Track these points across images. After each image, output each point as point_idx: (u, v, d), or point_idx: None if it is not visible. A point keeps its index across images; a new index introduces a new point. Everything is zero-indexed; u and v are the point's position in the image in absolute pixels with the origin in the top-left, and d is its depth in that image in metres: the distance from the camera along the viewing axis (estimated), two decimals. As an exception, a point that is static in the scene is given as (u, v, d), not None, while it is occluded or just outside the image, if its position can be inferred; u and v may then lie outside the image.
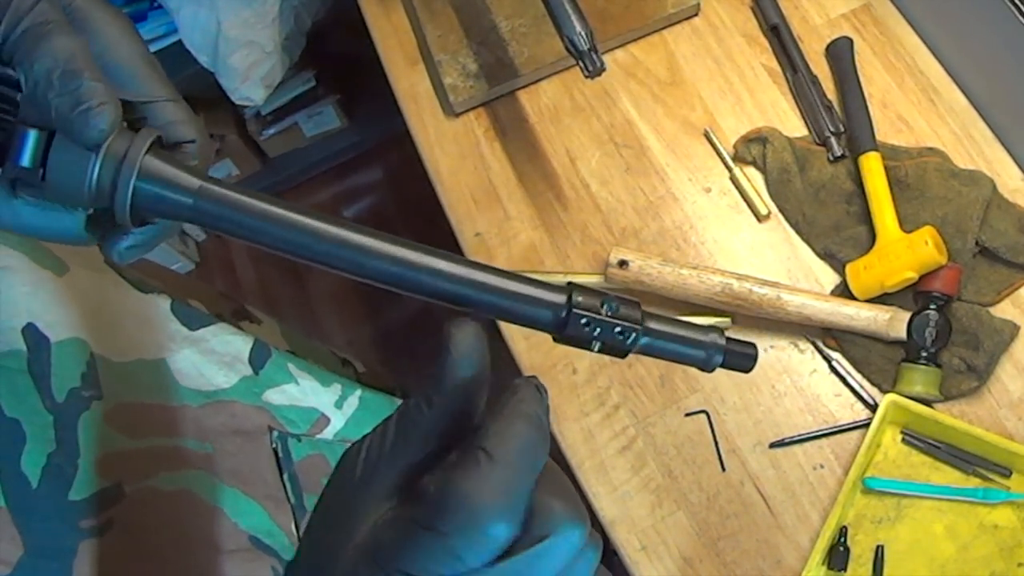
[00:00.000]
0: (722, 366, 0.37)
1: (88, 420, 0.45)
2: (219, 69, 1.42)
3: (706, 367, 0.37)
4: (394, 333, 1.82)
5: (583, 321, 0.34)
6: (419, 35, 0.97)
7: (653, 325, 0.36)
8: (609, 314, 0.35)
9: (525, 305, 0.35)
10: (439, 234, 1.03)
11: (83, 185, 0.32)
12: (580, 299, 0.35)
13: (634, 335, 0.35)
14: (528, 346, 0.84)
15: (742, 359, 0.37)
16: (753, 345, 0.38)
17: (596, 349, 0.35)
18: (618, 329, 0.35)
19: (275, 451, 0.59)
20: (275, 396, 0.62)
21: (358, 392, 0.70)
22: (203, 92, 1.67)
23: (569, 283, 0.36)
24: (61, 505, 0.42)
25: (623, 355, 0.36)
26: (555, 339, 0.36)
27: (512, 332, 0.84)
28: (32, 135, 0.31)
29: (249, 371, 0.61)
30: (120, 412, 0.48)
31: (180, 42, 1.41)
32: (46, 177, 0.32)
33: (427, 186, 0.92)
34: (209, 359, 0.58)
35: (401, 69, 0.97)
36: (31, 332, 0.44)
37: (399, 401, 0.78)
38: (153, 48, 1.50)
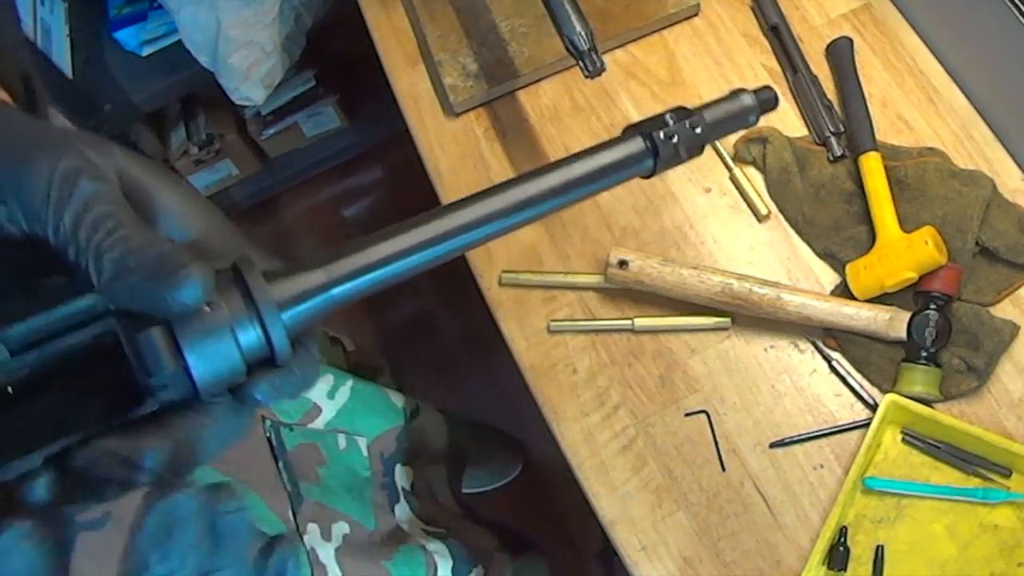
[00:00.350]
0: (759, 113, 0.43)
1: None
2: (219, 69, 1.42)
3: (751, 122, 0.43)
4: (395, 333, 1.82)
5: (666, 141, 0.39)
6: (419, 35, 0.97)
7: (704, 112, 0.41)
8: (674, 121, 0.39)
9: (622, 170, 0.38)
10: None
11: (235, 356, 0.29)
12: (651, 131, 0.39)
13: (700, 126, 0.40)
14: (528, 346, 0.84)
15: (769, 102, 0.43)
16: (769, 87, 0.44)
17: (685, 157, 0.40)
18: (689, 125, 0.39)
19: (269, 440, 0.59)
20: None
21: (349, 383, 0.70)
22: (203, 92, 1.67)
23: (627, 127, 0.40)
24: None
25: (702, 149, 0.41)
26: (650, 174, 0.40)
27: (512, 332, 0.84)
28: (155, 334, 0.28)
29: None
30: None
31: (180, 42, 1.41)
32: (191, 370, 0.28)
33: (427, 186, 0.92)
34: None
35: (401, 69, 0.97)
36: None
37: (388, 390, 0.78)
38: (153, 48, 1.50)
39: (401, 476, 0.76)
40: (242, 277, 0.30)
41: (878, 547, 0.73)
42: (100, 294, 0.29)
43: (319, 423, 0.66)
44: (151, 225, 0.32)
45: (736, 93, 0.42)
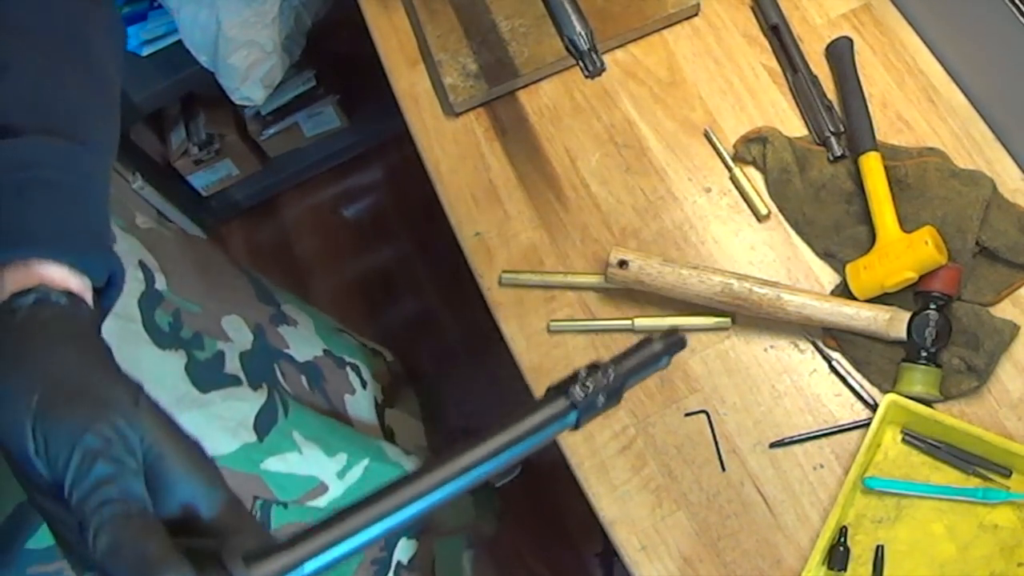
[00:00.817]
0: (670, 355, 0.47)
1: None
2: (219, 69, 1.42)
3: (663, 364, 0.47)
4: (394, 334, 1.82)
5: (584, 394, 0.42)
6: (419, 35, 0.97)
7: (617, 363, 0.44)
8: (588, 375, 0.43)
9: (548, 427, 0.42)
10: (439, 234, 1.03)
11: None
12: (567, 388, 0.42)
13: (614, 375, 0.43)
14: (528, 346, 0.84)
15: (677, 345, 0.47)
16: (677, 333, 0.47)
17: (602, 404, 0.43)
18: (603, 376, 0.43)
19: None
20: (275, 464, 0.61)
21: (365, 462, 0.69)
22: (203, 92, 1.67)
23: (548, 389, 0.43)
24: (16, 552, 0.41)
25: (619, 395, 0.44)
26: (575, 426, 0.43)
27: (512, 332, 0.84)
28: None
29: (253, 437, 0.60)
30: None
31: (180, 42, 1.41)
32: None
33: (427, 186, 0.92)
34: (213, 424, 0.57)
35: (401, 69, 0.97)
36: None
37: (408, 468, 0.77)
38: (153, 48, 1.50)
39: (402, 550, 0.75)
40: (224, 566, 0.34)
41: (878, 547, 0.73)
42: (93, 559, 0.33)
43: (321, 501, 0.65)
44: (160, 487, 0.36)
45: (646, 342, 0.46)
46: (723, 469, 0.78)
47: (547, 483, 1.57)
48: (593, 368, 0.44)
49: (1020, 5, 0.75)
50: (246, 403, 0.61)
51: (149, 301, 0.57)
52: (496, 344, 0.86)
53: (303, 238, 1.95)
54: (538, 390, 0.82)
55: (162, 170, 1.76)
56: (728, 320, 0.81)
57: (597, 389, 0.43)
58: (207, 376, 0.59)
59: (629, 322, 0.82)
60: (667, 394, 0.81)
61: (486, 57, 0.93)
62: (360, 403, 0.74)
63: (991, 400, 0.77)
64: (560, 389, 0.43)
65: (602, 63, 0.72)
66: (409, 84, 0.96)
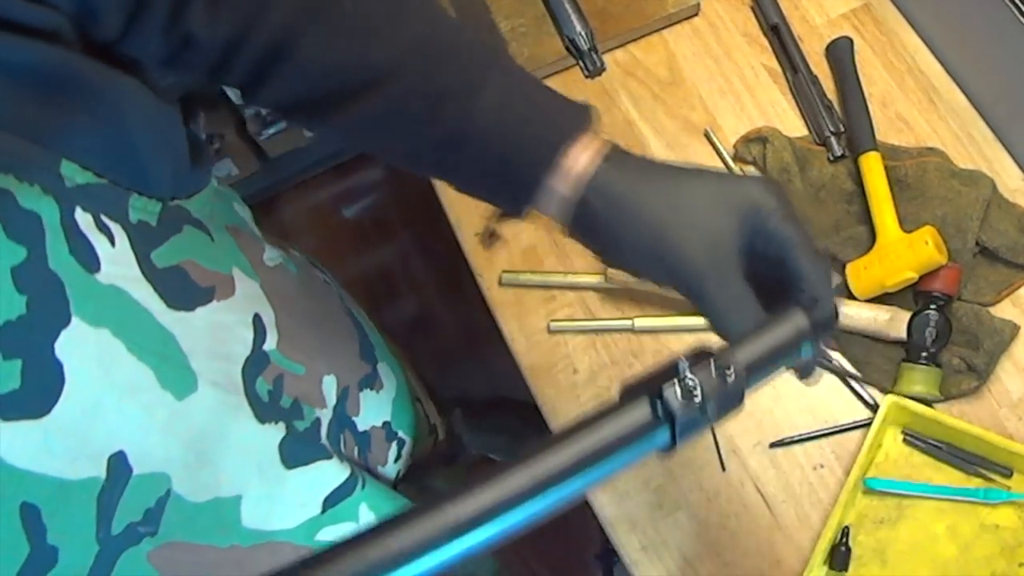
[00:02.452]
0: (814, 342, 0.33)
1: (130, 557, 0.43)
2: (219, 69, 1.42)
3: (807, 365, 0.34)
4: (394, 332, 1.82)
5: (685, 399, 0.28)
6: (419, 35, 0.97)
7: (739, 353, 0.30)
8: (692, 368, 0.29)
9: (622, 451, 0.28)
10: (439, 234, 1.03)
11: None
12: (660, 389, 0.28)
13: (732, 368, 0.29)
14: (528, 346, 0.84)
15: (828, 325, 0.33)
16: (829, 306, 0.35)
17: (714, 418, 0.29)
18: (715, 371, 0.29)
19: None
20: (329, 534, 0.59)
21: None
22: (203, 92, 1.67)
23: (625, 388, 0.30)
24: None
25: (741, 400, 0.31)
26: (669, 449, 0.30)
27: (512, 332, 0.84)
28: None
29: (318, 511, 0.57)
30: (167, 551, 0.46)
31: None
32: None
33: (427, 186, 0.92)
34: (286, 500, 0.54)
35: (401, 69, 0.97)
36: (117, 461, 0.41)
37: None
38: (153, 48, 1.50)
39: None
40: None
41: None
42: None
43: None
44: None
45: (783, 316, 0.32)
46: (723, 469, 0.78)
47: (547, 483, 1.57)
48: (702, 357, 0.30)
49: (1020, 5, 0.75)
50: (329, 476, 0.57)
51: (253, 367, 0.52)
52: (496, 344, 0.86)
53: (303, 238, 1.95)
54: (538, 390, 0.82)
55: (162, 170, 1.75)
56: (728, 320, 0.81)
57: (708, 392, 0.29)
58: (299, 450, 0.55)
59: (629, 322, 0.82)
60: (667, 394, 0.81)
61: (486, 57, 0.92)
62: (384, 474, 0.71)
63: (991, 400, 0.76)
64: (646, 389, 0.29)
65: (602, 63, 0.73)
66: (409, 84, 0.96)
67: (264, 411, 0.52)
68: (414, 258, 1.88)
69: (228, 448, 0.49)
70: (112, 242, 0.41)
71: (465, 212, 0.89)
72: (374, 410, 0.68)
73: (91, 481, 0.40)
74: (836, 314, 0.37)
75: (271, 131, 1.79)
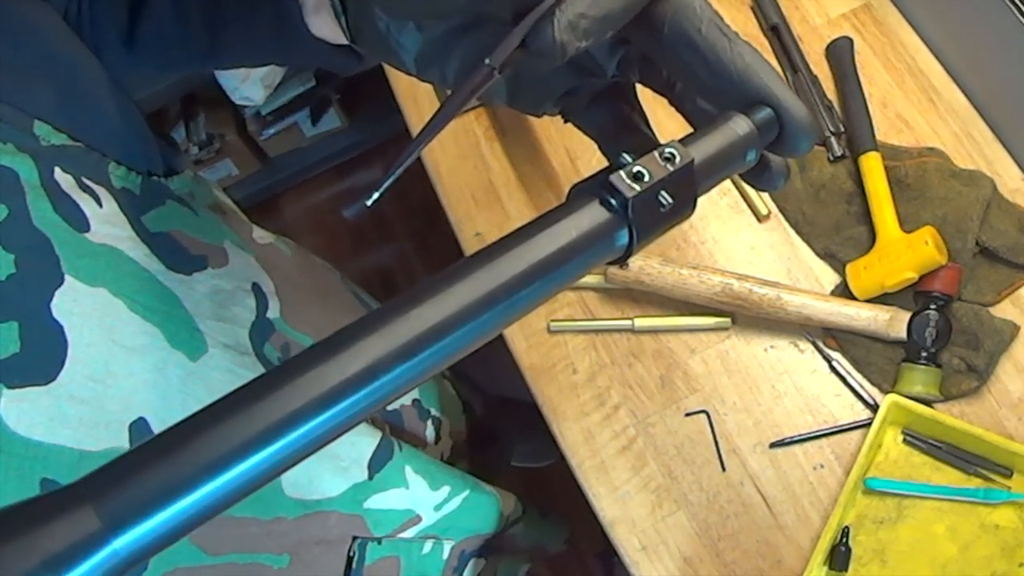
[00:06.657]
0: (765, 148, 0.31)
1: None
2: (219, 69, 1.42)
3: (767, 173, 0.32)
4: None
5: (645, 199, 0.26)
6: (419, 35, 0.97)
7: (693, 146, 0.29)
8: (648, 169, 0.27)
9: (585, 252, 0.26)
10: (439, 234, 1.03)
11: None
12: (618, 181, 0.26)
13: (685, 163, 0.28)
14: (528, 346, 0.84)
15: (771, 129, 0.31)
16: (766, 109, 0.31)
17: (669, 214, 0.28)
18: (661, 160, 0.27)
19: (350, 558, 0.55)
20: (377, 501, 0.58)
21: (465, 493, 0.66)
22: (203, 92, 1.67)
23: (572, 188, 0.28)
24: None
25: (694, 202, 0.29)
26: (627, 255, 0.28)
27: (512, 332, 0.84)
28: None
29: (364, 476, 0.56)
30: (206, 527, 0.44)
31: (180, 42, 1.41)
32: None
33: (427, 186, 0.92)
34: (326, 465, 0.53)
35: (401, 69, 0.97)
36: (140, 429, 0.40)
37: (502, 493, 0.74)
38: (153, 48, 1.50)
39: (471, 569, 0.73)
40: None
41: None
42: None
43: (411, 532, 0.61)
44: None
45: (722, 119, 0.30)
46: (723, 469, 0.78)
47: (547, 483, 1.57)
48: (644, 150, 0.27)
49: (1020, 5, 0.75)
50: (364, 439, 0.57)
51: (259, 333, 0.51)
52: (495, 344, 0.86)
53: (303, 238, 1.95)
54: (538, 390, 0.82)
55: (162, 170, 1.75)
56: (728, 320, 0.81)
57: (655, 173, 0.27)
58: None
59: (629, 322, 0.82)
60: (667, 394, 0.81)
61: (486, 57, 0.92)
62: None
63: (991, 400, 0.76)
64: (593, 184, 0.27)
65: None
66: (409, 84, 0.96)
67: None
68: (414, 258, 1.88)
69: None
70: (99, 203, 0.40)
71: (465, 212, 0.89)
72: None
73: (114, 452, 0.38)
74: (778, 120, 0.32)
75: (271, 131, 1.79)
